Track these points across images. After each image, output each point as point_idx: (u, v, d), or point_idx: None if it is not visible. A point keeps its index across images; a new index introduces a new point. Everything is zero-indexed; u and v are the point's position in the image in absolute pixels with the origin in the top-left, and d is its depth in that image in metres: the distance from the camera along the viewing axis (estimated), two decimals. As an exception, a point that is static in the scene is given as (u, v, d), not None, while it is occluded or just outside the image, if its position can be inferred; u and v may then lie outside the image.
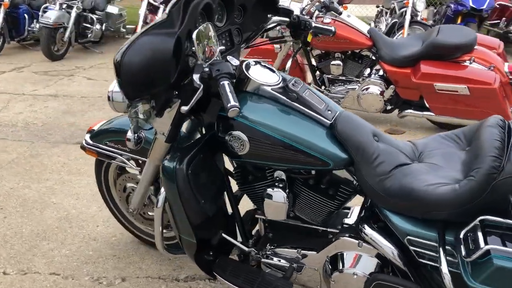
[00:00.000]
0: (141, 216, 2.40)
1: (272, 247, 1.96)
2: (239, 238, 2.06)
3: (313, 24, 2.10)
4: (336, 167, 1.70)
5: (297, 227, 1.91)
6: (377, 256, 1.76)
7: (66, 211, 2.91)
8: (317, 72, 4.44)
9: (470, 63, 3.64)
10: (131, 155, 2.19)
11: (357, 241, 1.76)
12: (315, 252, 1.87)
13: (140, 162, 2.19)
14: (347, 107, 4.12)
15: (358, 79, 4.20)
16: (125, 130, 1.94)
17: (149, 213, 2.36)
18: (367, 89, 4.08)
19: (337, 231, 1.85)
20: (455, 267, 1.46)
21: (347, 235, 1.79)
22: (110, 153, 2.23)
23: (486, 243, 1.38)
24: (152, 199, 2.24)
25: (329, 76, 4.30)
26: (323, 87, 4.34)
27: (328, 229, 1.88)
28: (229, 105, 1.46)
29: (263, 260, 1.97)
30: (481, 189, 1.44)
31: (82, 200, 3.03)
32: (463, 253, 1.42)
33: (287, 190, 1.78)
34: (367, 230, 1.72)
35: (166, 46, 1.53)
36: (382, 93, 4.05)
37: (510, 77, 3.68)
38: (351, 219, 1.87)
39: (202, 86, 1.57)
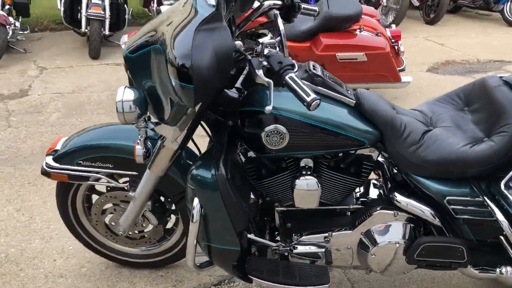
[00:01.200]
0: (126, 237, 2.15)
1: (297, 236, 1.92)
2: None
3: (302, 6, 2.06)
4: (370, 144, 1.75)
5: (318, 211, 1.91)
6: (409, 221, 1.86)
7: (3, 253, 2.40)
8: None
9: (361, 31, 3.92)
10: (116, 171, 1.96)
11: (392, 212, 1.84)
12: (349, 231, 1.89)
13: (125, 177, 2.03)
14: None
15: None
16: (103, 144, 1.93)
17: (136, 232, 2.15)
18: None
19: (362, 206, 1.92)
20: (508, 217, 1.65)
21: (380, 207, 1.86)
22: (87, 173, 1.95)
23: None
24: (147, 215, 2.06)
25: None
26: None
27: (351, 207, 1.93)
28: (309, 98, 1.40)
29: (295, 251, 1.91)
30: None
31: (15, 235, 2.53)
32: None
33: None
34: (401, 198, 1.81)
35: (226, 43, 1.44)
36: None
37: (393, 40, 4.09)
38: (375, 193, 1.95)
39: (272, 81, 1.48)
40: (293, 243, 1.92)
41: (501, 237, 1.75)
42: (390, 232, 1.86)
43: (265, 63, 1.50)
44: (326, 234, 1.90)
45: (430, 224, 1.85)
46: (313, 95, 1.40)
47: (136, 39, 1.63)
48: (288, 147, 1.69)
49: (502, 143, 1.65)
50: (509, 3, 7.19)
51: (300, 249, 1.92)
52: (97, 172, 1.94)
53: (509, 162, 1.66)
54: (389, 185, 1.89)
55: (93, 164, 1.93)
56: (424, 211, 1.79)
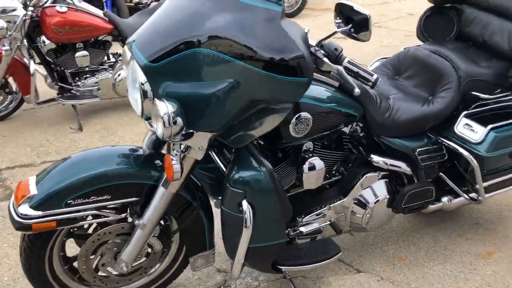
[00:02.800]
0: (117, 276, 1.91)
1: (300, 218, 1.97)
2: None
3: None
4: (359, 116, 1.91)
5: (312, 190, 1.94)
6: (387, 177, 2.10)
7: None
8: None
9: None
10: (116, 201, 1.71)
11: (376, 173, 2.03)
12: (344, 199, 2.00)
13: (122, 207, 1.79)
14: (105, 97, 3.93)
15: (104, 67, 3.94)
16: (97, 174, 1.63)
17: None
18: (120, 75, 3.83)
19: (347, 173, 2.05)
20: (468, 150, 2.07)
21: (364, 172, 2.01)
22: (82, 213, 1.66)
23: (483, 125, 2.06)
24: (150, 242, 1.86)
25: (71, 70, 3.84)
26: (62, 84, 3.86)
27: (336, 177, 2.06)
28: (374, 78, 1.58)
29: (305, 232, 1.96)
30: (459, 93, 2.08)
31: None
32: (471, 138, 2.05)
33: None
34: (379, 159, 2.02)
35: (302, 30, 1.55)
36: None
37: None
38: (353, 162, 2.08)
39: (342, 68, 1.62)
40: (298, 226, 1.96)
41: (442, 174, 2.20)
42: (377, 191, 2.07)
43: (321, 51, 1.61)
44: (326, 208, 2.00)
45: (401, 176, 2.12)
46: (375, 74, 1.59)
47: (154, 45, 1.49)
48: (310, 132, 1.77)
49: (450, 97, 2.07)
50: None
51: (308, 229, 1.97)
52: (94, 209, 1.67)
53: (457, 111, 2.12)
54: (364, 152, 2.03)
55: (87, 200, 1.65)
56: (400, 165, 2.07)
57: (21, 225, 1.59)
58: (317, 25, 7.45)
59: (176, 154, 1.59)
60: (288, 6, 7.97)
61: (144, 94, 1.49)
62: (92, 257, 1.82)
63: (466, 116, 2.10)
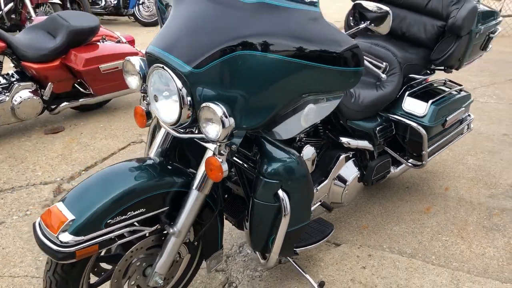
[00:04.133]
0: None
1: None
2: None
3: None
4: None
5: None
6: (354, 156, 2.35)
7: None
8: None
9: (106, 41, 4.03)
10: (150, 213, 1.67)
11: (347, 154, 2.29)
12: (326, 181, 2.22)
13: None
14: (3, 123, 3.66)
15: None
16: (132, 189, 1.59)
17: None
18: (20, 97, 3.64)
19: (324, 157, 2.28)
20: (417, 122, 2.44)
21: (339, 154, 2.26)
22: (122, 230, 1.59)
23: (425, 101, 2.47)
24: (179, 251, 1.87)
25: None
26: None
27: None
28: (384, 64, 1.95)
29: None
30: (402, 76, 2.46)
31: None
32: (417, 113, 2.44)
33: None
34: (348, 140, 2.29)
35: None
36: (37, 94, 3.73)
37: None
38: (325, 145, 2.32)
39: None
40: None
41: (386, 148, 2.55)
42: (351, 169, 2.32)
43: None
44: (314, 191, 2.11)
45: (365, 153, 2.42)
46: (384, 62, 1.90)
47: (196, 51, 1.50)
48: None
49: (396, 80, 2.44)
50: (137, 6, 8.00)
51: None
52: (132, 224, 1.62)
53: (400, 93, 2.52)
54: (334, 137, 2.28)
55: (125, 217, 1.59)
56: (365, 144, 2.36)
57: (64, 254, 1.48)
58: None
59: (223, 154, 1.63)
60: (150, 15, 7.93)
61: (182, 100, 1.52)
62: (123, 278, 1.75)
63: (409, 95, 2.50)
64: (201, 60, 1.50)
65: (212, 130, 1.52)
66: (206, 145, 1.68)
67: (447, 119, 2.55)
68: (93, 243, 1.53)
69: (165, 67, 1.55)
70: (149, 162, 1.78)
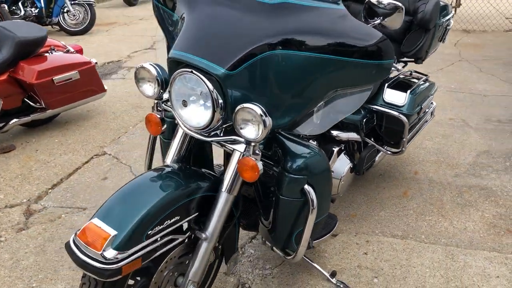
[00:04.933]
0: None
1: None
2: None
3: None
4: None
5: None
6: (345, 148, 2.44)
7: None
8: None
9: (55, 51, 3.87)
10: (184, 220, 1.66)
11: (340, 146, 2.37)
12: None
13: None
14: None
15: None
16: (169, 198, 1.56)
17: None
18: None
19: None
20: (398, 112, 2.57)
21: (332, 147, 2.33)
22: (160, 241, 1.57)
23: (403, 91, 2.56)
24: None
25: None
26: None
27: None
28: None
29: None
30: None
31: None
32: (398, 102, 2.55)
33: None
34: (339, 133, 2.37)
35: None
36: None
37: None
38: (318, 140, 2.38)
39: None
40: None
41: (366, 138, 2.62)
42: (344, 161, 2.39)
43: None
44: None
45: (353, 144, 2.53)
46: None
47: (229, 54, 1.51)
48: None
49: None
50: (61, 14, 7.53)
51: None
52: (170, 234, 1.60)
53: (380, 86, 2.61)
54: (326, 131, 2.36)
55: (163, 226, 1.56)
56: (354, 136, 2.47)
57: (111, 271, 1.43)
58: (114, 38, 7.34)
59: (257, 154, 1.63)
60: (77, 23, 7.59)
61: (216, 103, 1.52)
62: None
63: (388, 86, 2.63)
64: (234, 62, 1.51)
65: (251, 131, 1.53)
66: (234, 146, 1.68)
67: (422, 106, 2.73)
68: (137, 256, 1.50)
69: (193, 71, 1.54)
70: (171, 170, 1.75)
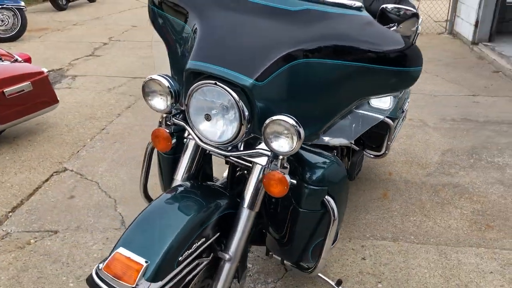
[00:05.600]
0: None
1: None
2: None
3: None
4: None
5: None
6: (337, 154, 2.45)
7: None
8: None
9: (2, 61, 3.68)
10: (210, 240, 1.58)
11: (332, 152, 2.32)
12: None
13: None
14: None
15: None
16: (195, 221, 1.47)
17: None
18: None
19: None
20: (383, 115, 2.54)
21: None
22: (190, 265, 1.50)
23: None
24: None
25: None
26: None
27: None
28: None
29: None
30: None
31: None
32: (384, 107, 2.42)
33: None
34: (330, 139, 2.25)
35: None
36: None
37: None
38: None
39: None
40: None
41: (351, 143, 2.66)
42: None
43: None
44: None
45: (344, 150, 2.55)
46: None
47: (256, 64, 1.43)
48: None
49: None
50: None
51: None
52: (198, 257, 1.52)
53: None
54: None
55: (192, 250, 1.47)
56: (345, 141, 2.32)
57: None
58: (50, 45, 6.92)
59: (286, 167, 1.55)
60: (6, 29, 7.07)
61: (243, 116, 1.44)
62: None
63: None
64: (262, 72, 1.44)
65: (283, 144, 1.45)
66: (255, 160, 1.60)
67: (404, 109, 2.78)
68: (171, 285, 1.39)
69: (217, 82, 1.44)
70: (189, 189, 1.64)
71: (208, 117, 1.51)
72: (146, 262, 1.32)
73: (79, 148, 3.67)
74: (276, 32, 1.50)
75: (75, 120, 4.22)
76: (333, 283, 2.18)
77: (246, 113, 1.45)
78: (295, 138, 1.42)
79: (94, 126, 4.09)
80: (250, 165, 1.65)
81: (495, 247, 2.53)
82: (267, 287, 2.22)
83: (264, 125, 1.43)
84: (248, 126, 1.48)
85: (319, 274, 2.20)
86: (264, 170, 1.59)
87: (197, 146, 1.71)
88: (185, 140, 1.75)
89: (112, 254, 1.35)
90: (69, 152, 3.60)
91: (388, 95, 1.87)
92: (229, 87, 1.43)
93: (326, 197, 1.73)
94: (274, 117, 1.41)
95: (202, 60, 1.48)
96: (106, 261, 1.35)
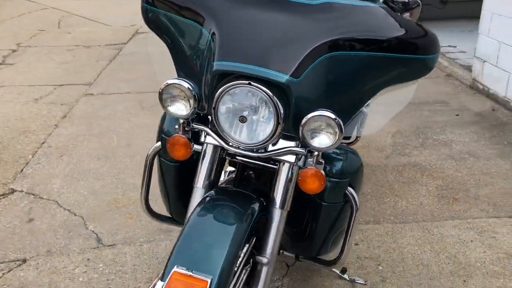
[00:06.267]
0: None
1: None
2: None
3: None
4: None
5: None
6: None
7: None
8: None
9: None
10: (251, 246, 1.58)
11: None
12: None
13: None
14: None
15: None
16: (236, 232, 1.41)
17: None
18: None
19: None
20: None
21: None
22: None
23: None
24: None
25: None
26: None
27: None
28: None
29: None
30: None
31: None
32: None
33: None
34: None
35: None
36: None
37: None
38: None
39: None
40: None
41: None
42: None
43: None
44: None
45: None
46: None
47: (289, 60, 1.41)
48: None
49: None
50: None
51: None
52: (247, 263, 1.54)
53: None
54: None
55: (241, 259, 1.47)
56: None
57: None
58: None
59: (321, 163, 1.52)
60: None
61: (279, 115, 1.41)
62: None
63: None
64: (296, 68, 1.42)
65: (323, 139, 1.43)
66: (284, 158, 1.56)
67: (371, 96, 2.87)
68: None
69: (252, 82, 1.39)
70: (220, 197, 1.57)
71: (243, 119, 1.45)
72: (209, 278, 1.24)
73: (21, 166, 3.34)
74: (300, 27, 1.48)
75: (7, 136, 3.83)
76: (338, 272, 2.21)
77: (282, 111, 1.41)
78: (337, 132, 1.41)
79: (32, 140, 3.74)
80: (273, 165, 1.61)
81: (467, 217, 2.72)
82: (275, 285, 2.19)
83: (304, 121, 1.40)
84: (283, 124, 1.45)
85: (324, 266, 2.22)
86: (292, 168, 1.56)
87: (215, 151, 1.63)
88: (198, 146, 1.66)
89: (170, 274, 1.25)
90: (12, 172, 3.26)
91: (407, 84, 1.92)
92: (263, 86, 1.39)
93: (349, 188, 1.75)
94: (315, 113, 1.39)
95: (230, 60, 1.42)
96: (165, 284, 1.24)
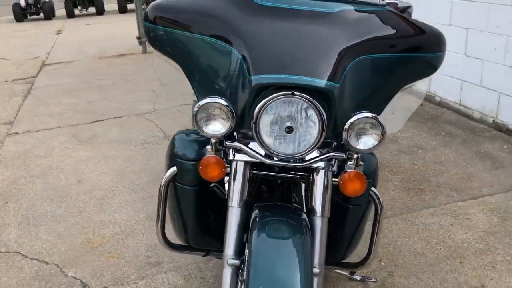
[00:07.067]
0: None
1: None
2: None
3: None
4: None
5: None
6: None
7: None
8: None
9: None
10: None
11: None
12: None
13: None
14: None
15: None
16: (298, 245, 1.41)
17: None
18: None
19: None
20: None
21: None
22: None
23: None
24: None
25: None
26: None
27: None
28: None
29: None
30: None
31: None
32: None
33: None
34: None
35: None
36: None
37: None
38: None
39: None
40: None
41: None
42: None
43: None
44: None
45: None
46: None
47: (327, 67, 1.41)
48: None
49: None
50: None
51: None
52: None
53: None
54: None
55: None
56: None
57: None
58: None
59: (361, 165, 1.51)
60: None
61: (324, 122, 1.42)
62: None
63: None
64: (335, 74, 1.44)
65: (367, 141, 1.45)
66: (318, 165, 1.56)
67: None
68: None
69: (295, 92, 1.38)
70: (271, 214, 1.54)
71: (289, 130, 1.43)
72: None
73: (-39, 220, 2.95)
74: (328, 34, 1.52)
75: None
76: (347, 273, 2.23)
77: (326, 118, 1.42)
78: (382, 132, 1.43)
79: (-35, 189, 3.33)
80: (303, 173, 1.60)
81: (438, 204, 2.90)
82: None
83: (348, 125, 1.41)
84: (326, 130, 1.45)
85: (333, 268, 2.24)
86: (327, 174, 1.56)
87: (245, 168, 1.58)
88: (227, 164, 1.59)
89: None
90: (-48, 228, 2.86)
91: (422, 80, 2.02)
92: (306, 94, 1.39)
93: (372, 188, 1.78)
94: (359, 116, 1.40)
95: (268, 72, 1.40)
96: None
